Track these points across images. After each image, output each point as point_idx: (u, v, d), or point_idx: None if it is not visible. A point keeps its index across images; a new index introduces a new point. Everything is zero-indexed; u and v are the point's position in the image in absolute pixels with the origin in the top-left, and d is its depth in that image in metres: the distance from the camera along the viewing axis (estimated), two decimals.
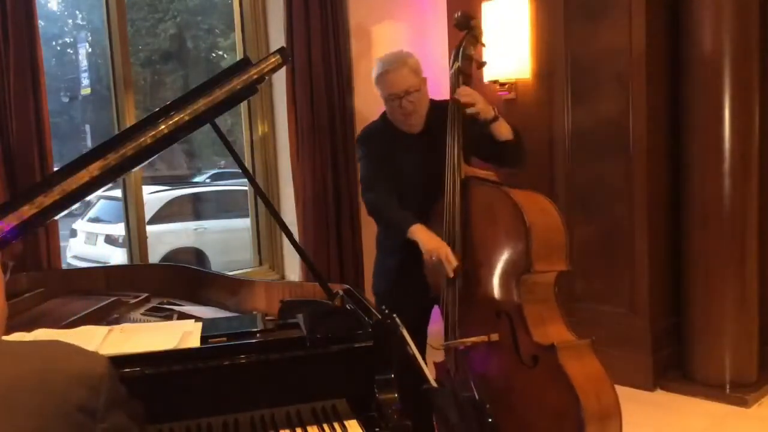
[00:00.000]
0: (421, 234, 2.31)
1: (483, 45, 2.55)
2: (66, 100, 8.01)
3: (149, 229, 3.50)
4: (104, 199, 6.44)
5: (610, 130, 3.62)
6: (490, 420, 2.22)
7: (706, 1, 3.37)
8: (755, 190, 3.48)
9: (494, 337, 2.24)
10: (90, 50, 7.85)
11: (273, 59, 1.95)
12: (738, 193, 3.42)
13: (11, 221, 1.75)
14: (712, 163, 3.43)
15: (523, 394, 2.17)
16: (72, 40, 8.34)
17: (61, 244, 2.95)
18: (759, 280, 3.55)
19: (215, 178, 8.85)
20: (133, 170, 2.30)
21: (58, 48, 8.45)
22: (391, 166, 2.51)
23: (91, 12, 8.31)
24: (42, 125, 2.77)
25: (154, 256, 5.36)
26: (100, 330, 1.66)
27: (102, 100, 6.97)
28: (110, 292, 2.34)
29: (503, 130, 2.41)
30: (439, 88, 2.90)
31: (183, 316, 2.00)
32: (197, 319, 1.80)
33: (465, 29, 2.44)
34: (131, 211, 3.35)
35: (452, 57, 2.46)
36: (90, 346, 1.40)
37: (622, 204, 3.62)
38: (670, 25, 3.59)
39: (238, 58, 3.26)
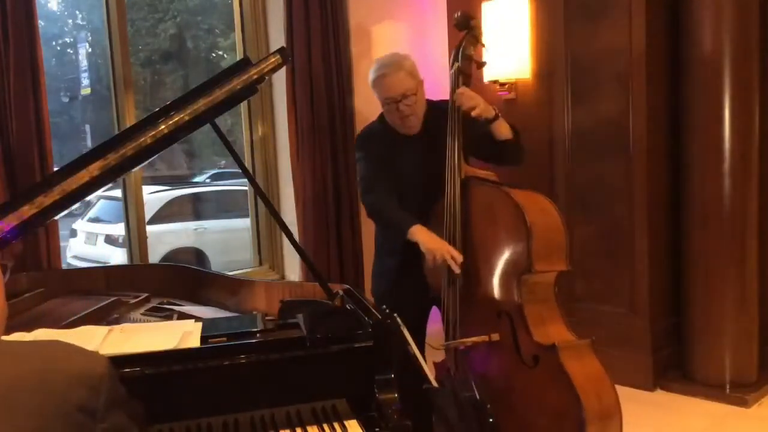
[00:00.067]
0: (421, 235, 2.31)
1: (483, 45, 2.55)
2: (66, 100, 8.01)
3: (149, 229, 3.50)
4: (104, 199, 6.44)
5: (610, 130, 3.62)
6: (490, 420, 2.22)
7: (706, 1, 3.38)
8: (755, 190, 3.48)
9: (495, 337, 2.24)
10: (90, 50, 7.85)
11: (273, 59, 1.95)
12: (738, 193, 3.42)
13: (11, 221, 1.75)
14: (712, 163, 3.43)
15: (523, 393, 2.17)
16: (72, 40, 8.34)
17: (61, 244, 2.95)
18: (759, 280, 3.55)
19: (215, 178, 8.85)
20: (133, 170, 2.30)
21: (58, 48, 8.45)
22: (390, 168, 2.51)
23: (91, 12, 8.31)
24: (42, 125, 2.77)
25: (154, 256, 5.35)
26: (100, 330, 1.65)
27: (102, 100, 6.97)
28: (110, 292, 2.34)
29: (503, 130, 2.41)
30: (439, 88, 2.90)
31: (183, 316, 2.00)
32: (197, 319, 1.80)
33: (465, 29, 2.44)
34: (131, 211, 3.35)
35: (452, 57, 2.46)
36: (90, 346, 1.40)
37: (622, 204, 3.62)
38: (670, 25, 3.59)
39: (238, 58, 3.26)
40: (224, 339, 1.60)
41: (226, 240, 6.61)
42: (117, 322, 1.97)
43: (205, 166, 9.37)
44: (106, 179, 1.86)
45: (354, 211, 3.78)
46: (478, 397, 2.27)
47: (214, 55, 9.52)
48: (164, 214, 6.56)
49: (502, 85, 3.83)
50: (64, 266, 3.72)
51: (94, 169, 1.80)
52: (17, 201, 1.80)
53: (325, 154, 3.70)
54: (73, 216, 6.70)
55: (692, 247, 3.56)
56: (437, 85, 3.09)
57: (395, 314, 1.66)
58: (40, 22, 2.86)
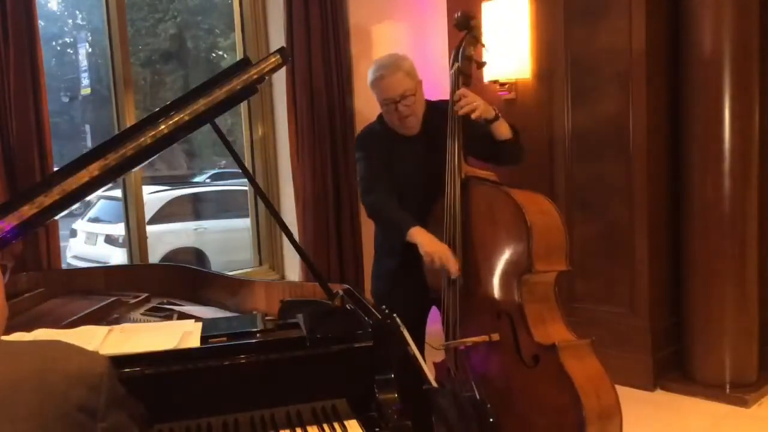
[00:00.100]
0: (420, 236, 2.31)
1: (483, 46, 2.55)
2: (66, 100, 8.01)
3: (149, 229, 3.50)
4: (104, 199, 6.44)
5: (610, 130, 3.62)
6: (490, 420, 2.22)
7: (706, 1, 3.37)
8: (755, 190, 3.48)
9: (495, 337, 2.24)
10: (90, 50, 7.85)
11: (273, 59, 1.95)
12: (738, 193, 3.42)
13: (11, 221, 1.75)
14: (712, 163, 3.43)
15: (523, 393, 2.17)
16: (72, 40, 8.34)
17: (61, 244, 2.95)
18: (759, 280, 3.55)
19: (215, 178, 8.85)
20: (133, 170, 2.30)
21: (58, 48, 8.45)
22: (390, 168, 2.51)
23: (91, 12, 8.32)
24: (42, 125, 2.78)
25: (154, 256, 5.36)
26: (100, 330, 1.65)
27: (102, 100, 6.97)
28: (110, 292, 2.34)
29: (503, 130, 2.41)
30: (439, 88, 2.90)
31: (183, 316, 2.00)
32: (197, 319, 1.80)
33: (465, 29, 2.44)
34: (131, 211, 3.36)
35: (452, 57, 2.46)
36: (90, 346, 1.40)
37: (622, 204, 3.62)
38: (670, 25, 3.59)
39: (238, 58, 3.26)
40: (224, 339, 1.60)
41: (226, 240, 6.61)
42: (117, 322, 1.97)
43: (205, 166, 9.37)
44: (106, 179, 1.86)
45: (354, 211, 3.79)
46: (478, 397, 2.27)
47: (214, 55, 9.53)
48: (164, 214, 6.56)
49: (502, 85, 3.83)
50: (64, 266, 3.73)
51: (94, 169, 1.80)
52: (17, 201, 1.80)
53: (325, 154, 3.70)
54: (73, 216, 6.70)
55: (692, 247, 3.56)
56: (437, 85, 3.09)
57: (395, 315, 1.66)
58: (40, 22, 2.86)
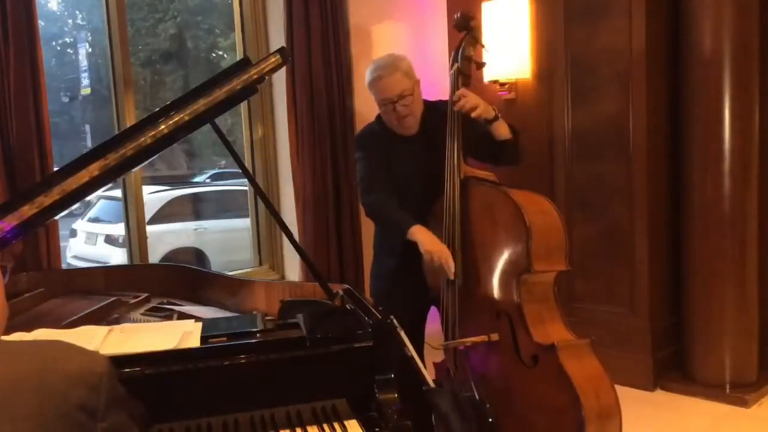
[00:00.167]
0: (421, 235, 2.31)
1: (483, 46, 2.55)
2: (66, 100, 8.01)
3: (149, 229, 3.50)
4: (104, 199, 6.44)
5: (610, 130, 3.62)
6: (490, 420, 2.22)
7: (706, 1, 3.38)
8: (755, 190, 3.48)
9: (494, 337, 2.24)
10: (90, 50, 7.85)
11: (273, 59, 1.95)
12: (738, 193, 3.42)
13: (11, 221, 1.75)
14: (712, 163, 3.43)
15: (523, 393, 2.18)
16: (72, 40, 8.34)
17: (61, 244, 2.95)
18: (759, 280, 3.55)
19: (215, 178, 8.85)
20: (133, 170, 2.30)
21: (58, 48, 8.45)
22: (389, 168, 2.51)
23: (91, 12, 8.32)
24: (42, 125, 2.78)
25: (154, 256, 5.36)
26: (100, 330, 1.66)
27: (102, 100, 6.97)
28: (110, 292, 2.34)
29: (502, 130, 2.41)
30: (439, 88, 2.90)
31: (183, 316, 2.00)
32: (197, 319, 1.80)
33: (464, 30, 2.44)
34: (131, 211, 3.36)
35: (452, 58, 2.46)
36: (90, 346, 1.40)
37: (622, 204, 3.62)
38: (670, 25, 3.59)
39: (238, 58, 3.26)
40: (224, 339, 1.60)
41: (226, 240, 6.61)
42: (117, 322, 1.97)
43: (205, 166, 9.37)
44: (106, 179, 1.86)
45: (354, 211, 3.78)
46: (477, 397, 2.27)
47: (214, 55, 9.53)
48: (164, 214, 6.56)
49: (502, 85, 3.83)
50: (64, 266, 3.73)
51: (94, 169, 1.80)
52: (17, 201, 1.80)
53: (325, 154, 3.70)
54: (73, 216, 6.70)
55: (692, 247, 3.56)
56: (437, 85, 3.09)
57: (393, 316, 1.66)
58: (40, 22, 2.86)
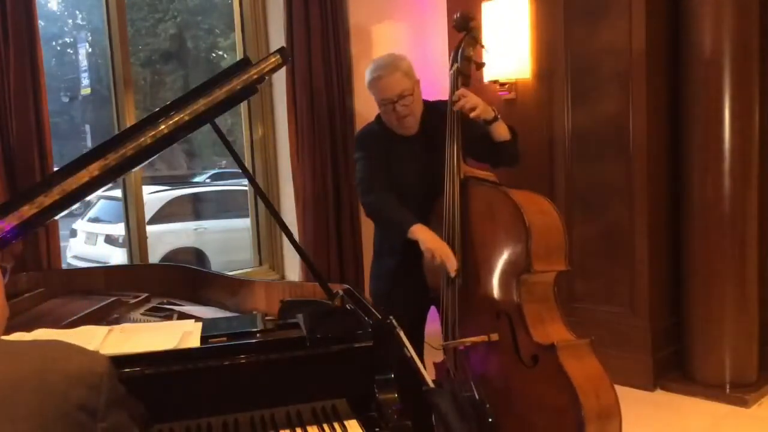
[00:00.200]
0: (421, 233, 2.31)
1: (482, 46, 2.55)
2: (66, 100, 8.01)
3: (149, 229, 3.50)
4: (104, 199, 6.45)
5: (610, 130, 3.62)
6: (490, 420, 2.22)
7: (706, 1, 3.38)
8: (755, 190, 3.48)
9: (494, 336, 2.24)
10: (90, 50, 7.85)
11: (273, 59, 1.95)
12: (738, 193, 3.42)
13: (11, 221, 1.75)
14: (712, 163, 3.43)
15: (522, 393, 2.18)
16: (72, 40, 8.34)
17: (61, 244, 2.95)
18: (759, 280, 3.55)
19: (215, 178, 8.85)
20: (133, 170, 2.30)
21: (58, 48, 8.45)
22: (389, 168, 2.51)
23: (91, 12, 8.32)
24: (42, 125, 2.77)
25: (154, 256, 5.36)
26: (100, 330, 1.66)
27: (102, 100, 6.97)
28: (110, 292, 2.34)
29: (501, 131, 2.41)
30: (439, 88, 2.90)
31: (183, 316, 2.00)
32: (197, 319, 1.80)
33: (464, 30, 2.44)
34: (131, 211, 3.35)
35: (451, 58, 2.46)
36: (90, 346, 1.40)
37: (622, 204, 3.62)
38: (670, 25, 3.59)
39: (238, 58, 3.26)
40: (224, 339, 1.60)
41: (226, 240, 6.61)
42: (117, 322, 1.97)
43: (205, 166, 9.38)
44: (106, 179, 1.86)
45: (354, 211, 3.78)
46: (477, 397, 2.27)
47: (214, 55, 9.53)
48: (164, 214, 6.56)
49: (502, 85, 3.84)
50: (64, 266, 3.72)
51: (94, 169, 1.81)
52: (17, 201, 1.80)
53: (325, 154, 3.70)
54: (73, 216, 6.70)
55: (692, 247, 3.56)
56: (437, 85, 3.09)
57: (392, 317, 1.66)
58: (40, 22, 2.86)
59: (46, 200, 1.78)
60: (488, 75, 3.76)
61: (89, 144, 7.69)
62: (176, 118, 1.85)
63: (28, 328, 1.64)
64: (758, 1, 3.41)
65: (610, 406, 2.08)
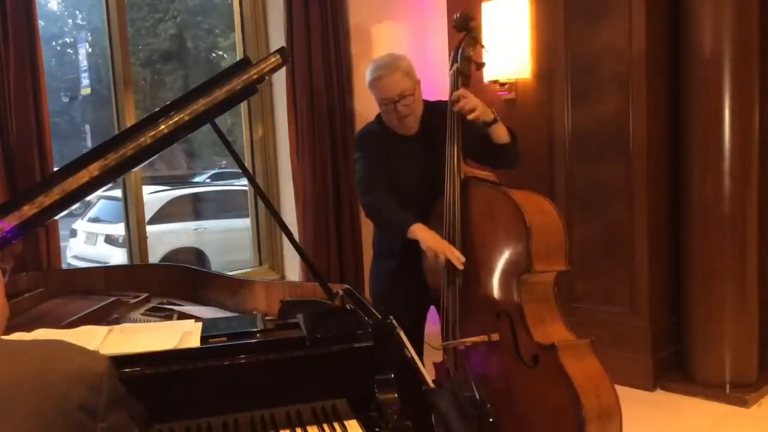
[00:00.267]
0: (421, 233, 2.31)
1: (482, 46, 2.55)
2: (66, 100, 8.02)
3: (149, 229, 3.50)
4: (104, 199, 6.45)
5: (610, 130, 3.62)
6: (490, 420, 2.22)
7: (706, 1, 3.38)
8: (755, 190, 3.48)
9: (494, 336, 2.24)
10: (90, 50, 7.85)
11: (273, 59, 1.95)
12: (738, 193, 3.42)
13: (11, 221, 1.75)
14: (712, 163, 3.43)
15: (523, 393, 2.18)
16: (72, 40, 8.35)
17: (61, 244, 2.95)
18: (759, 280, 3.55)
19: (215, 178, 8.86)
20: (133, 170, 2.30)
21: (58, 48, 8.46)
22: (389, 168, 2.51)
23: (91, 12, 8.32)
24: (42, 125, 2.77)
25: (154, 256, 5.36)
26: (100, 330, 1.66)
27: (102, 100, 6.97)
28: (110, 292, 2.34)
29: (501, 133, 2.40)
30: (439, 88, 2.90)
31: (183, 316, 2.00)
32: (197, 319, 1.80)
33: (464, 30, 2.44)
34: (131, 211, 3.35)
35: (451, 58, 2.46)
36: (90, 346, 1.40)
37: (622, 204, 3.63)
38: (670, 25, 3.59)
39: (238, 58, 3.26)
40: (224, 339, 1.60)
41: (226, 240, 6.61)
42: (117, 322, 1.97)
43: (205, 166, 9.38)
44: (106, 179, 1.86)
45: (354, 211, 3.78)
46: (477, 397, 2.27)
47: (214, 55, 9.53)
48: (164, 214, 6.56)
49: (502, 85, 3.84)
50: (64, 266, 3.72)
51: (94, 169, 1.81)
52: (17, 201, 1.80)
53: (325, 154, 3.70)
54: (73, 216, 6.70)
55: (692, 247, 3.56)
56: (437, 85, 3.09)
57: (392, 317, 1.66)
58: (40, 22, 2.86)
59: (46, 200, 1.78)
60: (488, 75, 3.76)
61: (89, 144, 7.70)
62: (176, 118, 1.85)
63: (28, 328, 1.64)
64: (758, 1, 3.41)
65: (611, 406, 2.08)
